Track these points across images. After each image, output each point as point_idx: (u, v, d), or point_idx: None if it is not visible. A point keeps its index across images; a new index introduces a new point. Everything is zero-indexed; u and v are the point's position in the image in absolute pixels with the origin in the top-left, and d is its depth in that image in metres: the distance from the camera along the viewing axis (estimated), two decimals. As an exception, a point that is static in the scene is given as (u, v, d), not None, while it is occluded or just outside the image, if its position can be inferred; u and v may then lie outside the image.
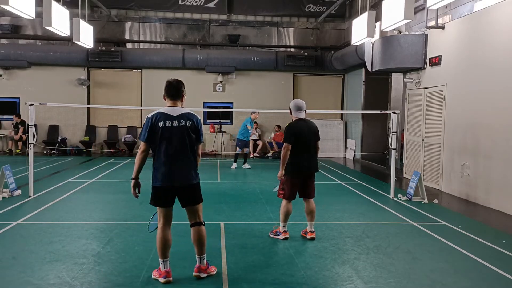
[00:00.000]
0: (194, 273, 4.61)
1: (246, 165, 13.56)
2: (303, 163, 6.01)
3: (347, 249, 5.72)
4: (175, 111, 4.49)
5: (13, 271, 4.72)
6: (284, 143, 5.96)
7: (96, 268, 4.85)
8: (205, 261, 4.67)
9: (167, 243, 4.48)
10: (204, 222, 4.67)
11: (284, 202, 6.09)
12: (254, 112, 13.79)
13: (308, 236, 6.12)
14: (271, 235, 6.16)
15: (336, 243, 5.97)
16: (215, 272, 4.72)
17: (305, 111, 6.18)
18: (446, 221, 7.25)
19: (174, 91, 4.56)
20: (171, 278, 4.47)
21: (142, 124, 19.39)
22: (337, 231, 6.56)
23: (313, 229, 6.18)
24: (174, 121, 4.43)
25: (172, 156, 4.41)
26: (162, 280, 4.44)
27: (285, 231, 6.08)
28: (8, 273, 4.66)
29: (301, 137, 5.99)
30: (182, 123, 4.45)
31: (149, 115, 4.48)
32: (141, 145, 4.48)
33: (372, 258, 5.38)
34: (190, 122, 4.49)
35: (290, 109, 6.18)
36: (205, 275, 4.62)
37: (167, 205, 4.50)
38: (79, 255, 5.23)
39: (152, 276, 4.58)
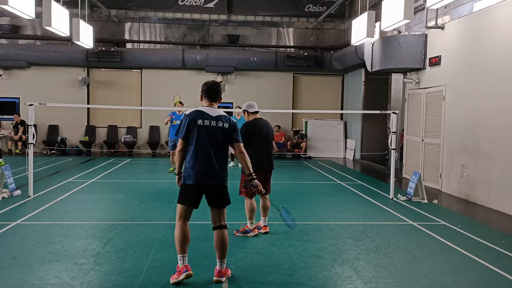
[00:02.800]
0: (215, 278, 4.53)
1: (232, 163, 13.66)
2: (264, 161, 6.19)
3: (347, 249, 5.72)
4: (214, 112, 4.54)
5: (12, 271, 4.72)
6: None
7: (95, 268, 4.85)
8: (225, 265, 4.61)
9: (186, 237, 4.46)
10: (227, 226, 4.64)
11: (247, 200, 6.23)
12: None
13: (262, 230, 6.31)
14: (238, 234, 6.19)
15: (336, 243, 5.97)
16: (230, 275, 4.66)
17: (259, 111, 6.40)
18: (445, 221, 7.26)
19: (214, 92, 4.63)
20: (191, 272, 4.43)
21: (141, 124, 19.28)
22: (337, 231, 6.56)
23: (266, 224, 6.39)
24: (212, 121, 4.47)
25: (207, 155, 4.42)
26: (183, 276, 4.39)
27: (254, 228, 6.24)
28: (7, 273, 4.65)
29: (260, 135, 6.19)
30: (220, 124, 4.48)
31: (187, 112, 4.53)
32: (179, 143, 4.51)
33: (372, 258, 5.38)
34: (227, 124, 4.53)
35: (244, 111, 6.36)
36: (224, 278, 4.57)
37: (192, 206, 4.50)
38: (79, 255, 5.23)
39: (171, 281, 4.46)
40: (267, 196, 6.25)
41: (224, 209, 4.59)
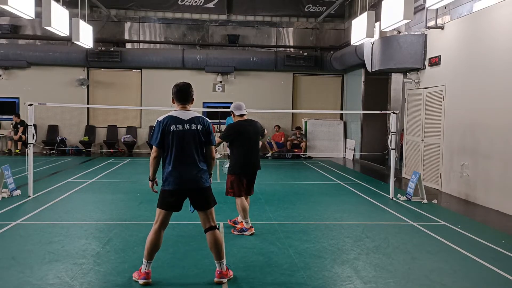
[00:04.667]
0: (216, 279, 4.50)
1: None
2: (250, 162, 6.27)
3: (347, 249, 5.72)
4: (186, 115, 4.48)
5: (12, 271, 4.72)
6: (219, 138, 6.30)
7: (95, 268, 4.85)
8: (225, 265, 4.58)
9: (157, 246, 4.46)
10: (218, 226, 4.62)
11: (237, 199, 6.24)
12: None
13: (248, 233, 6.27)
14: (235, 233, 6.26)
15: (336, 243, 5.97)
16: (232, 276, 4.63)
17: (246, 113, 6.36)
18: (445, 221, 7.26)
19: (184, 95, 4.57)
20: (150, 280, 4.41)
21: (141, 124, 19.30)
22: (337, 231, 6.56)
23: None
24: (185, 124, 4.42)
25: (183, 159, 4.40)
26: (141, 281, 4.38)
27: (251, 227, 6.25)
28: (7, 273, 4.65)
29: (245, 136, 6.22)
30: (194, 126, 4.44)
31: (160, 119, 4.46)
32: (153, 150, 4.47)
33: (372, 258, 5.38)
34: (201, 126, 4.48)
35: (232, 112, 6.35)
36: (226, 279, 4.53)
37: (173, 210, 4.47)
38: (79, 255, 5.23)
39: (133, 278, 4.51)
40: (248, 197, 6.49)
41: (212, 209, 4.58)
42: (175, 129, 4.38)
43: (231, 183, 6.26)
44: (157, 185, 4.60)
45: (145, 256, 4.45)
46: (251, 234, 6.19)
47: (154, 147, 4.46)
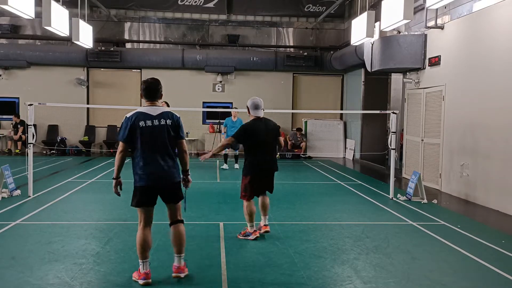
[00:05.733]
0: (174, 274, 4.51)
1: (236, 166, 13.24)
2: (264, 163, 6.01)
3: (347, 249, 5.72)
4: (155, 110, 4.49)
5: (12, 271, 4.72)
6: (231, 137, 6.05)
7: (95, 268, 4.85)
8: (183, 261, 4.57)
9: (147, 244, 4.44)
10: (183, 221, 4.65)
11: (246, 203, 6.02)
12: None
13: (263, 230, 6.15)
14: (240, 237, 6.07)
15: (336, 243, 5.97)
16: (187, 273, 4.60)
17: (263, 110, 6.14)
18: (445, 221, 7.26)
19: (153, 91, 4.58)
20: (150, 280, 4.41)
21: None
22: (337, 231, 6.56)
23: (267, 223, 6.23)
24: (154, 120, 4.43)
25: (154, 155, 4.41)
26: (141, 282, 4.38)
27: (254, 231, 6.04)
28: (7, 273, 4.65)
29: (259, 136, 5.94)
30: (163, 122, 4.46)
31: (128, 115, 4.46)
32: (120, 145, 4.47)
33: (372, 258, 5.38)
34: (170, 121, 4.50)
35: (247, 108, 6.09)
36: (183, 275, 4.52)
37: (150, 204, 4.47)
38: (79, 255, 5.23)
39: (133, 278, 4.52)
40: (266, 195, 6.24)
41: (179, 203, 4.60)
42: (144, 125, 4.39)
43: (245, 186, 6.01)
44: (121, 185, 4.54)
45: (139, 257, 4.46)
46: (255, 238, 6.00)
47: (120, 143, 4.46)
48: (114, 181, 4.53)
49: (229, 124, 12.89)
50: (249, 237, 6.03)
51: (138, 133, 4.37)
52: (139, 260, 4.46)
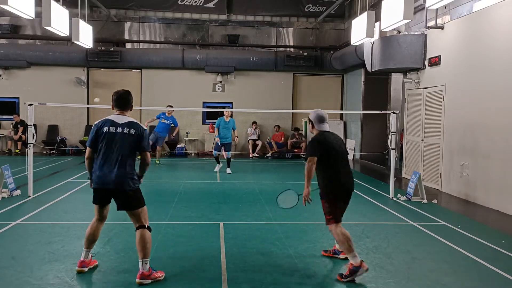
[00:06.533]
0: (137, 280, 4.44)
1: (228, 170, 12.38)
2: (345, 180, 5.00)
3: (347, 249, 5.71)
4: (122, 119, 4.64)
5: (12, 271, 4.72)
6: (309, 157, 4.89)
7: (95, 268, 4.85)
8: (148, 266, 4.51)
9: (94, 237, 4.75)
10: (149, 227, 4.65)
11: (334, 227, 4.93)
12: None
13: (342, 256, 5.30)
14: (345, 280, 4.64)
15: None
16: (162, 277, 4.56)
17: (328, 123, 5.26)
18: (445, 221, 7.26)
19: (122, 102, 4.74)
20: (84, 269, 4.66)
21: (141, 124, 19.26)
22: (337, 231, 6.55)
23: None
24: (118, 128, 4.57)
25: (108, 161, 4.53)
26: (76, 268, 4.67)
27: (361, 262, 4.66)
28: (7, 273, 4.65)
29: (334, 150, 4.97)
30: (126, 130, 4.57)
31: (97, 122, 4.69)
32: (87, 151, 4.71)
33: (372, 258, 5.38)
34: (134, 131, 4.59)
35: (311, 122, 5.21)
36: (149, 281, 4.44)
37: (100, 205, 4.73)
38: (79, 255, 5.19)
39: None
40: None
41: (138, 211, 4.63)
42: (107, 131, 4.56)
43: (329, 208, 5.01)
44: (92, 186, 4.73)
45: (84, 245, 4.75)
46: (366, 270, 4.66)
47: (87, 149, 4.70)
48: (89, 181, 4.79)
49: (221, 125, 12.49)
50: (358, 272, 4.61)
51: (101, 138, 4.57)
52: (83, 248, 4.73)
